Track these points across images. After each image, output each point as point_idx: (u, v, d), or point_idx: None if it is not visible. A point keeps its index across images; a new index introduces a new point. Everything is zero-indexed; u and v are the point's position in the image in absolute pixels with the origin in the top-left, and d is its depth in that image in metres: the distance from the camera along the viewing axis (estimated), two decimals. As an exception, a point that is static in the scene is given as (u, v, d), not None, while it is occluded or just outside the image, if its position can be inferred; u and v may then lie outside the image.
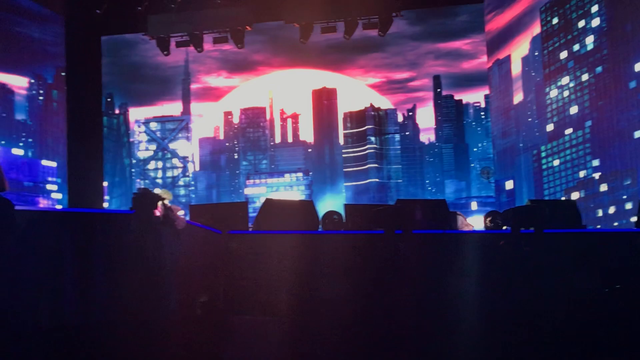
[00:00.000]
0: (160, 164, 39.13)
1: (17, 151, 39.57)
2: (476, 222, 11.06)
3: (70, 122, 10.55)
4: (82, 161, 9.98)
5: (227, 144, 39.04)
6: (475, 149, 35.62)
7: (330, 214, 9.81)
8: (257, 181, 37.06)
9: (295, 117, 40.88)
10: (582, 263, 9.19)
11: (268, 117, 39.10)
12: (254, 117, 39.29)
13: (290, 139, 39.99)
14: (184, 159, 38.25)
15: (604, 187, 24.03)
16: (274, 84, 36.60)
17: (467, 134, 36.75)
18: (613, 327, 8.18)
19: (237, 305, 8.19)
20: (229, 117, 40.05)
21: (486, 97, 33.94)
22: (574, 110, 26.75)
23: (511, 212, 9.53)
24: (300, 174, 37.13)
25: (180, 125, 38.09)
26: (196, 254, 8.26)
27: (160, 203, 7.57)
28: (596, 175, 24.73)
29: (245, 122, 40.20)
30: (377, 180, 37.35)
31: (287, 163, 39.31)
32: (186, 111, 38.48)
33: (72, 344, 6.54)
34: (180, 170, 38.34)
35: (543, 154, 29.32)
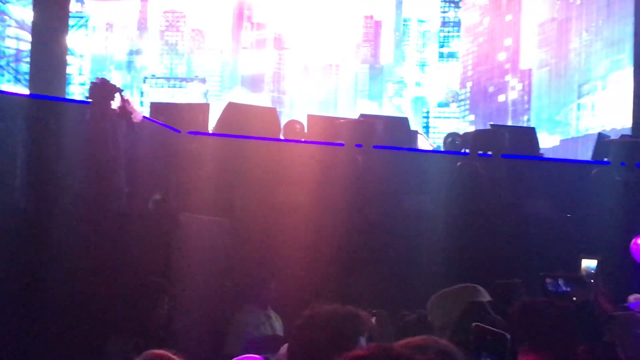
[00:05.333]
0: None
1: None
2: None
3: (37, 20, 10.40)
4: (46, 52, 9.83)
5: (145, 46, 37.37)
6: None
7: (292, 123, 9.78)
8: (155, 86, 35.64)
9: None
10: (536, 190, 9.31)
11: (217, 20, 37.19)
12: (174, 21, 37.61)
13: (212, 45, 38.14)
14: (80, 57, 36.20)
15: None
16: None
17: (387, 56, 36.11)
18: (557, 251, 8.37)
19: (190, 204, 8.23)
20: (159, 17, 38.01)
21: (406, 20, 33.57)
22: (460, 70, 29.88)
23: (471, 135, 9.58)
24: (196, 82, 35.85)
25: (79, 22, 36.06)
26: (153, 151, 8.24)
27: (117, 94, 7.50)
28: (471, 129, 27.00)
29: (164, 25, 38.33)
30: (276, 94, 36.43)
31: (203, 70, 37.66)
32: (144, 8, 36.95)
33: (21, 229, 6.56)
34: (76, 67, 36.29)
35: (438, 106, 31.18)
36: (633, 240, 3.72)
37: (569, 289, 3.74)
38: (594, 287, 4.56)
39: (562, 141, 23.24)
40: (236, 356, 4.62)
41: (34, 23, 10.70)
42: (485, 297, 4.02)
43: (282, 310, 7.74)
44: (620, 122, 19.66)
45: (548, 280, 3.72)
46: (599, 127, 21.41)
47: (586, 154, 16.56)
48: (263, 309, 7.60)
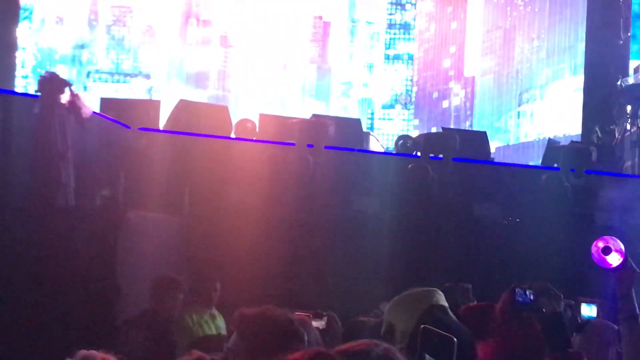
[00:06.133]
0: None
1: None
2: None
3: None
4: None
5: (90, 39, 36.34)
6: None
7: (244, 122, 9.71)
8: (98, 80, 34.70)
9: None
10: (486, 194, 9.40)
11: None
12: (121, 16, 36.69)
13: (159, 41, 37.18)
14: (23, 50, 35.12)
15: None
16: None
17: (334, 56, 36.16)
18: (505, 255, 8.49)
19: (138, 201, 8.09)
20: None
21: (354, 21, 33.73)
22: (406, 73, 31.12)
23: (422, 138, 9.63)
24: (141, 77, 35.11)
25: (23, 14, 34.93)
26: (102, 146, 8.09)
27: (67, 89, 7.34)
28: (415, 133, 27.81)
29: (112, 20, 37.41)
30: (220, 92, 35.89)
31: (149, 66, 36.85)
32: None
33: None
34: (19, 60, 35.08)
35: (382, 108, 31.91)
36: (594, 243, 3.73)
37: (537, 300, 3.75)
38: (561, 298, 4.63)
39: (497, 148, 23.63)
40: (180, 356, 4.49)
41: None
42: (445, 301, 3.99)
43: (228, 311, 7.66)
44: (554, 130, 20.06)
45: (517, 290, 3.71)
46: (535, 135, 21.86)
47: (519, 162, 16.95)
48: (208, 309, 7.51)
